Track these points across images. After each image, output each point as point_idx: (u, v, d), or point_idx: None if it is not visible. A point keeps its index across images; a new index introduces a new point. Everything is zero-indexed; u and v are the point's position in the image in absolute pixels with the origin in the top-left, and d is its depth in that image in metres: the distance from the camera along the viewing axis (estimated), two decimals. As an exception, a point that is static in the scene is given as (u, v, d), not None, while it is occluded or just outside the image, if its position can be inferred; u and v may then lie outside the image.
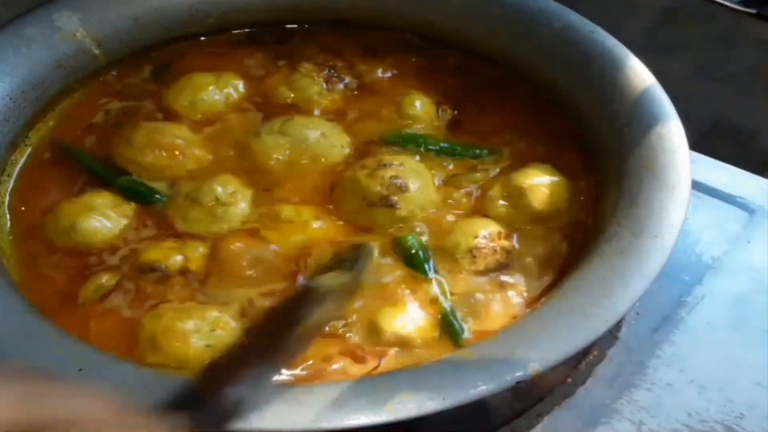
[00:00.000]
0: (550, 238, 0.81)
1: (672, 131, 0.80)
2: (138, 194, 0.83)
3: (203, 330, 0.70)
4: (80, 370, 0.63)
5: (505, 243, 0.79)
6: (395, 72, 0.99)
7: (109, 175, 0.84)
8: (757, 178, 0.98)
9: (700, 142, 0.94)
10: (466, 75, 1.00)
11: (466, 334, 0.73)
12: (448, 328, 0.73)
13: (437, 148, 0.89)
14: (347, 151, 0.88)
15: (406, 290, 0.76)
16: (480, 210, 0.83)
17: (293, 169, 0.86)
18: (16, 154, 0.88)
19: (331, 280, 0.70)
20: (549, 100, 0.93)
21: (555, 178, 0.83)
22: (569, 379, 0.78)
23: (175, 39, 1.00)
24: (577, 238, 0.80)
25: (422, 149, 0.88)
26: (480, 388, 0.61)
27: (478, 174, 0.87)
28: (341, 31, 1.03)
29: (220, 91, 0.92)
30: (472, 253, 0.78)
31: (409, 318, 0.73)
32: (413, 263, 0.77)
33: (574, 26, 0.93)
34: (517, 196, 0.82)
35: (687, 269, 0.88)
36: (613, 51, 0.89)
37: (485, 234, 0.79)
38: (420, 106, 0.93)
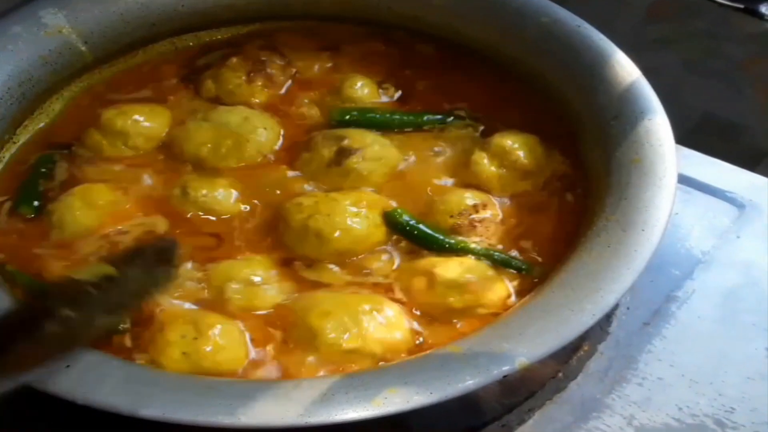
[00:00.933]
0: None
1: (659, 125, 0.80)
2: None
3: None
4: None
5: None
6: (332, 64, 1.00)
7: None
8: (747, 173, 0.98)
9: (689, 138, 0.94)
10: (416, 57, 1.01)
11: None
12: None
13: (395, 119, 0.90)
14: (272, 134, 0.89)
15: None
16: (463, 178, 0.85)
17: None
18: (3, 152, 0.88)
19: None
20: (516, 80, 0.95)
21: (530, 135, 0.86)
22: (560, 374, 0.78)
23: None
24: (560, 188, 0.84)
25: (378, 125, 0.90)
26: (467, 382, 0.61)
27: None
28: (304, 31, 1.04)
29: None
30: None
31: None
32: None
33: (561, 20, 0.93)
34: (502, 156, 0.85)
35: (677, 264, 0.88)
36: (599, 45, 0.89)
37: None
38: (361, 87, 0.94)
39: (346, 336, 0.69)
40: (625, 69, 0.87)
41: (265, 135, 0.88)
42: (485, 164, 0.85)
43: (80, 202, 0.81)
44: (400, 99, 0.95)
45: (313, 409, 0.60)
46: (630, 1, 1.25)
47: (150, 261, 0.72)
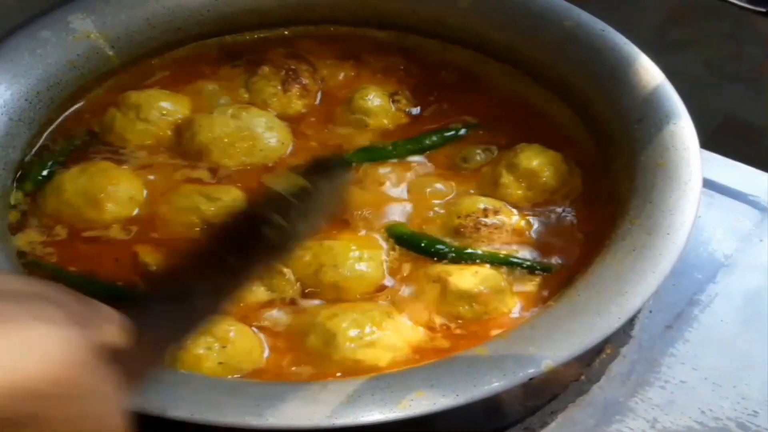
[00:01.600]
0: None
1: (683, 128, 0.80)
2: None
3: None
4: None
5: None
6: (355, 73, 1.00)
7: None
8: (769, 176, 0.97)
9: (711, 140, 0.94)
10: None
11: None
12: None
13: (405, 148, 0.90)
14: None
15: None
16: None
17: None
18: (32, 156, 0.89)
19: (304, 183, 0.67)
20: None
21: (553, 153, 0.86)
22: (583, 377, 0.78)
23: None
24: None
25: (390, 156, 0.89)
26: (493, 384, 0.62)
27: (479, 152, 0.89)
28: (323, 39, 1.04)
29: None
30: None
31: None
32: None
33: (585, 24, 0.93)
34: (530, 178, 0.85)
35: (700, 267, 0.88)
36: (623, 49, 0.89)
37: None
38: (372, 98, 0.93)
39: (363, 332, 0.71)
40: (650, 73, 0.87)
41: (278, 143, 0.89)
42: (513, 186, 0.85)
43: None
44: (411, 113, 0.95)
45: (340, 411, 0.60)
46: (650, 3, 1.25)
47: (331, 173, 0.71)
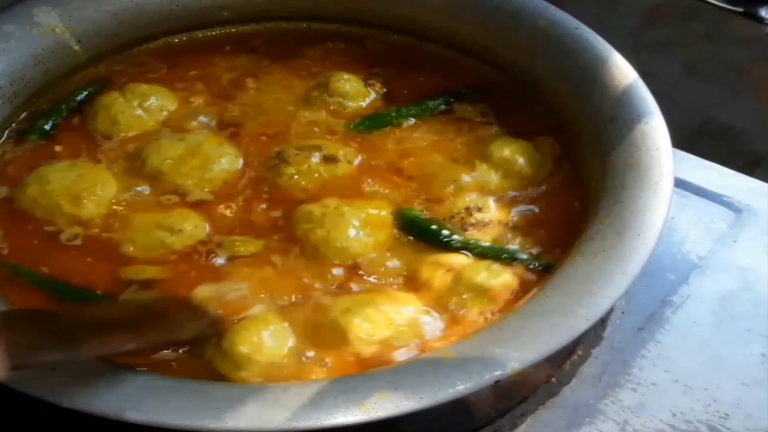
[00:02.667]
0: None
1: (655, 128, 0.80)
2: None
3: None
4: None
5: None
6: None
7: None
8: (744, 177, 0.97)
9: (687, 141, 0.94)
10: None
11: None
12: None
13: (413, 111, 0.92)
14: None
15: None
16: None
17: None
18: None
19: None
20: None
21: (523, 142, 0.87)
22: (553, 379, 0.78)
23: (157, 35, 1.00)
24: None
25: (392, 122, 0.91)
26: (458, 387, 0.61)
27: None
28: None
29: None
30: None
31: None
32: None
33: (559, 23, 0.92)
34: (506, 166, 0.85)
35: (673, 268, 0.87)
36: (596, 48, 0.89)
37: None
38: (348, 81, 0.94)
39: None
40: (623, 72, 0.86)
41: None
42: (489, 175, 0.85)
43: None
44: (385, 96, 0.96)
45: (302, 414, 0.59)
46: (629, 3, 1.25)
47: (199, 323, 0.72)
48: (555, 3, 0.95)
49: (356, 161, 0.86)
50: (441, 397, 0.60)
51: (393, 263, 0.77)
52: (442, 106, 0.93)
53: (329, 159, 0.85)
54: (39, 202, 0.80)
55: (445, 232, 0.79)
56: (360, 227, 0.78)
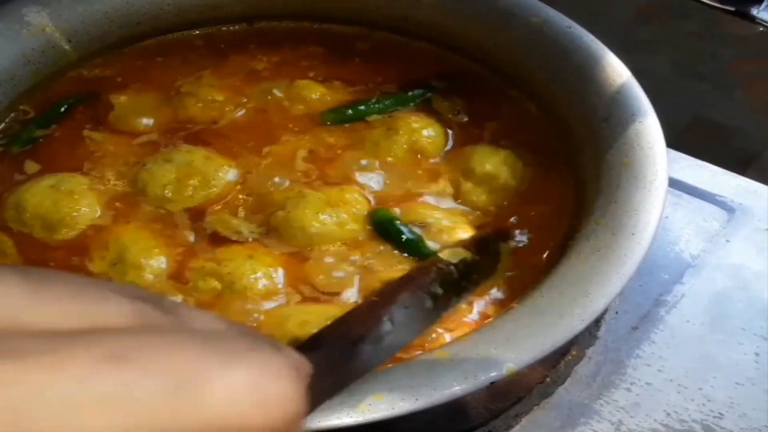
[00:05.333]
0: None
1: (649, 127, 0.79)
2: None
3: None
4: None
5: None
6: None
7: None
8: (737, 177, 0.97)
9: (678, 140, 0.94)
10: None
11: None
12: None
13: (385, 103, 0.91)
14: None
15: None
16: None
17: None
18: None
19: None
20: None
21: (503, 150, 0.87)
22: (548, 379, 0.77)
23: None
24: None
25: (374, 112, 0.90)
26: (454, 388, 0.60)
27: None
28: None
29: None
30: None
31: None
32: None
33: (551, 21, 0.92)
34: (490, 182, 0.84)
35: (666, 268, 0.87)
36: (590, 46, 0.88)
37: None
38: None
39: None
40: (616, 71, 0.86)
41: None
42: (476, 193, 0.84)
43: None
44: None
45: (296, 416, 0.59)
46: (619, 1, 1.25)
47: (492, 250, 0.75)
48: (546, 1, 0.95)
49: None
50: (437, 398, 0.60)
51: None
52: (418, 100, 0.93)
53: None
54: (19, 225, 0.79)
55: (412, 237, 0.78)
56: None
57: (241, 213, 0.81)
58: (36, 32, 0.91)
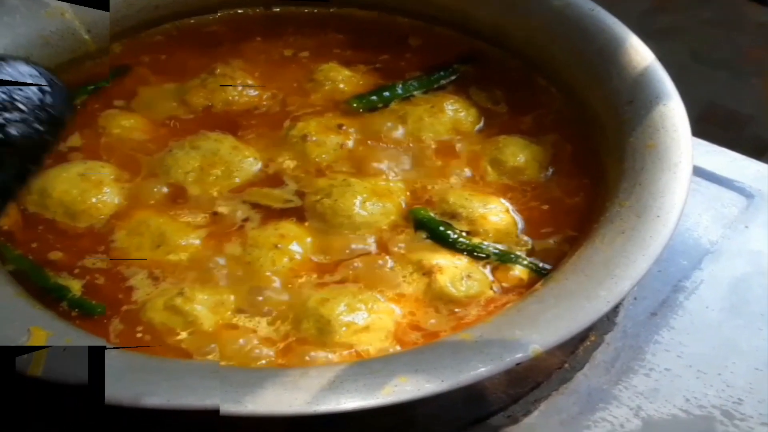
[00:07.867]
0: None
1: (674, 110, 0.79)
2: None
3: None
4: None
5: None
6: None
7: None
8: (755, 162, 0.97)
9: (694, 127, 0.93)
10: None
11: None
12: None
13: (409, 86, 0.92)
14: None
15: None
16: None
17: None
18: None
19: None
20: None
21: (533, 146, 0.87)
22: (566, 365, 0.77)
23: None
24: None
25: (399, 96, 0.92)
26: (479, 369, 0.60)
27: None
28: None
29: None
30: None
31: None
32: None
33: (574, 4, 0.92)
34: (515, 174, 0.85)
35: (685, 254, 0.87)
36: (613, 29, 0.88)
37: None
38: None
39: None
40: (640, 53, 0.85)
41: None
42: (498, 183, 0.84)
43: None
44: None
45: (321, 397, 0.58)
46: (636, -11, 1.24)
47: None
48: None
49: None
50: (463, 380, 0.59)
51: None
52: (443, 81, 0.94)
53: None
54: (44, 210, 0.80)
55: (452, 234, 0.78)
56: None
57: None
58: (54, 15, 0.91)
